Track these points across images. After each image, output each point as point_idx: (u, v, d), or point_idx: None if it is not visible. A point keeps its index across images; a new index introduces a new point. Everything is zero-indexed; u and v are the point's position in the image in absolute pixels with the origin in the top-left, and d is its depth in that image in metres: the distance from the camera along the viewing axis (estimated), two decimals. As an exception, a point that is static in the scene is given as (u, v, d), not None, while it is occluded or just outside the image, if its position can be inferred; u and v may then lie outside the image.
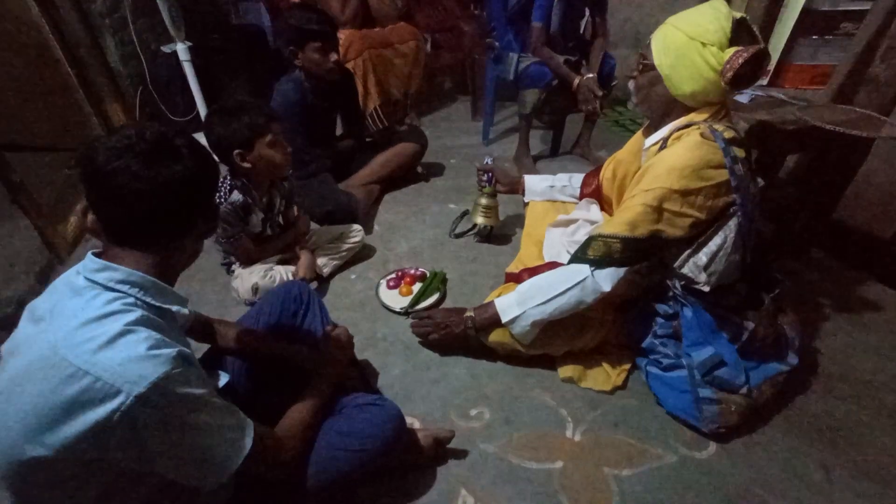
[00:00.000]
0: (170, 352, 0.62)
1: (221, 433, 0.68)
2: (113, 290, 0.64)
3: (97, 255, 0.68)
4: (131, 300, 0.65)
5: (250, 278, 1.46)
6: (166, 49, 2.34)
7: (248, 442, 0.70)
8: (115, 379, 0.58)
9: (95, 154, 0.62)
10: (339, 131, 2.21)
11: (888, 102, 1.49)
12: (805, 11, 2.27)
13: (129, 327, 0.61)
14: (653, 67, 1.07)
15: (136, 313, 0.64)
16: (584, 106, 2.06)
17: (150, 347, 0.61)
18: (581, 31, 2.15)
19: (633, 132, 1.31)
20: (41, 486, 0.62)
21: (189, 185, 0.67)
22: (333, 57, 1.76)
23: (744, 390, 1.10)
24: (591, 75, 2.07)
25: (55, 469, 0.60)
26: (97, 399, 0.57)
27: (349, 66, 2.37)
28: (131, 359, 0.59)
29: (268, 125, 1.34)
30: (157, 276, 0.69)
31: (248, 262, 1.52)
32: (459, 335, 1.27)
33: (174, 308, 0.71)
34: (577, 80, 2.03)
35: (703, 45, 0.98)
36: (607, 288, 1.11)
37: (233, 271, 1.54)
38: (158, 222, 0.66)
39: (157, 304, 0.68)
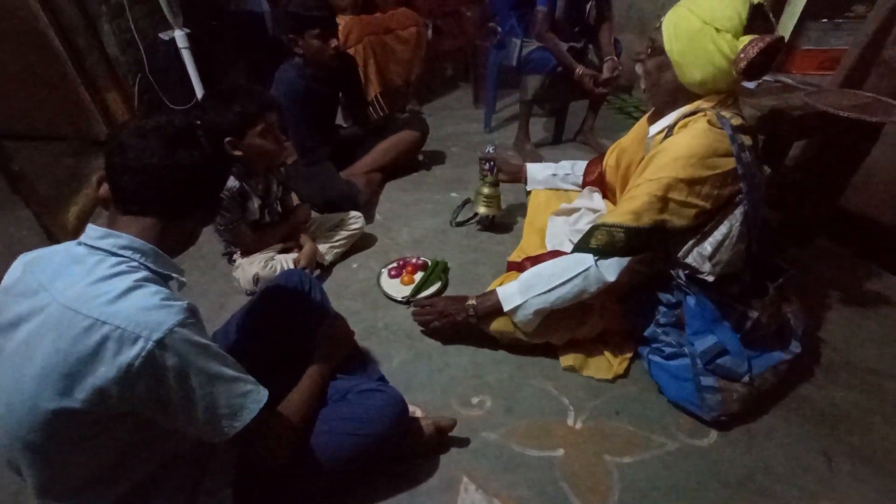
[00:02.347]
0: (181, 303, 0.66)
1: (237, 385, 0.70)
2: (117, 254, 0.67)
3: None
4: (135, 264, 0.68)
5: (251, 268, 1.46)
6: (164, 36, 2.30)
7: (262, 396, 0.72)
8: (134, 326, 0.60)
9: (125, 130, 0.70)
10: (339, 120, 2.19)
11: (899, 87, 1.46)
12: (815, -6, 2.21)
13: (140, 282, 0.65)
14: (662, 52, 1.03)
15: (143, 273, 0.68)
16: (591, 89, 2.02)
17: (164, 299, 0.64)
18: (586, 16, 2.11)
19: (637, 119, 1.29)
20: (62, 446, 0.64)
21: (199, 172, 0.72)
22: (333, 43, 1.73)
23: (746, 379, 1.09)
24: (609, 61, 2.04)
25: (80, 423, 0.62)
26: (118, 347, 0.60)
27: (349, 52, 2.34)
28: (147, 307, 0.62)
29: (260, 114, 1.32)
30: (158, 247, 0.72)
31: (248, 250, 1.51)
32: (461, 323, 1.27)
33: (174, 275, 0.74)
34: (579, 70, 1.99)
35: (718, 31, 0.94)
36: (611, 278, 1.10)
37: (234, 261, 1.54)
38: (166, 196, 0.71)
39: (160, 269, 0.71)
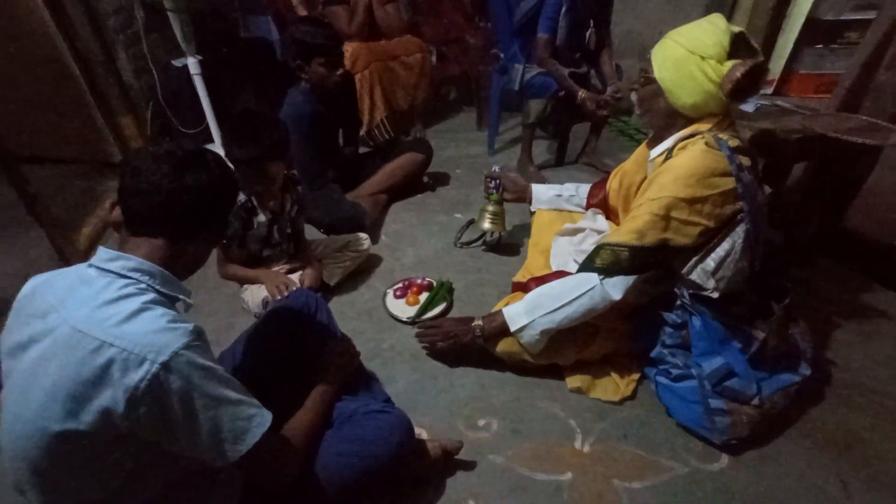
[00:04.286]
0: (188, 325, 0.66)
1: (240, 408, 0.70)
2: (126, 276, 0.68)
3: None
4: (143, 286, 0.69)
5: (260, 292, 1.47)
6: (177, 63, 2.38)
7: (266, 420, 0.72)
8: (140, 349, 0.61)
9: (139, 155, 0.73)
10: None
11: (895, 110, 1.49)
12: (809, 21, 2.28)
13: (147, 305, 0.66)
14: (654, 80, 1.08)
15: (151, 295, 0.69)
16: (593, 112, 2.07)
17: (171, 321, 0.65)
18: (586, 42, 2.17)
19: (639, 142, 1.32)
20: (67, 469, 0.64)
21: (207, 194, 0.74)
22: (339, 71, 1.78)
23: (755, 401, 1.08)
24: (613, 86, 2.09)
25: (85, 445, 0.62)
26: (124, 369, 0.60)
27: (356, 78, 2.40)
28: (154, 330, 0.63)
29: (277, 156, 1.36)
30: (165, 269, 0.73)
31: (223, 270, 1.51)
32: (467, 344, 1.27)
33: (181, 297, 0.75)
34: (581, 93, 2.04)
35: (702, 58, 1.00)
36: (617, 296, 1.11)
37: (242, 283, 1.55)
38: (174, 217, 0.73)
39: (167, 291, 0.72)
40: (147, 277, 0.70)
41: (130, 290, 0.67)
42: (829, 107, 1.67)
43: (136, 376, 0.60)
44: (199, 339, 0.67)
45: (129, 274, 0.69)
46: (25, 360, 0.64)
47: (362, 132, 2.48)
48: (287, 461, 0.79)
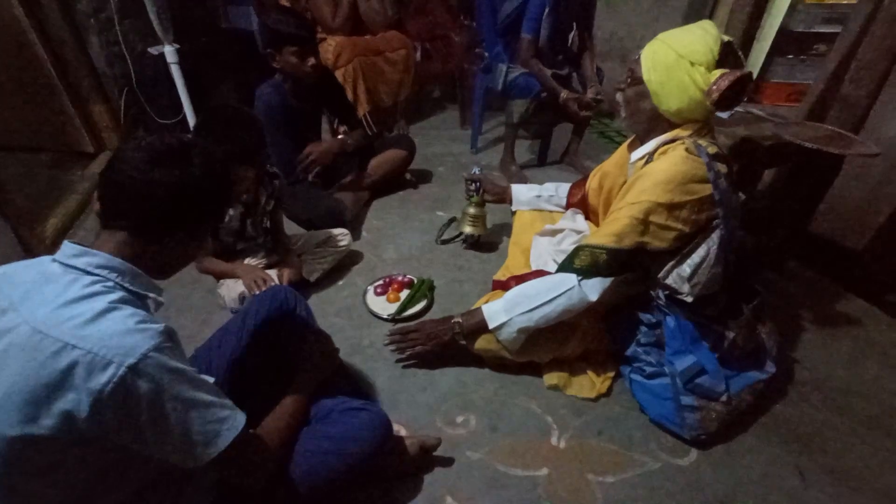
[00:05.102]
0: (158, 326, 0.63)
1: (212, 410, 0.68)
2: (92, 273, 0.65)
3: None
4: (111, 283, 0.66)
5: (236, 286, 1.44)
6: (153, 51, 2.31)
7: (238, 422, 0.70)
8: (106, 351, 0.58)
9: (123, 146, 0.70)
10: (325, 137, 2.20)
11: (857, 121, 1.56)
12: (781, 32, 2.37)
13: (114, 304, 0.63)
14: (641, 81, 1.09)
15: (119, 294, 0.65)
16: (576, 112, 2.09)
17: (139, 322, 0.62)
18: (569, 45, 2.20)
19: (619, 143, 1.35)
20: (27, 475, 0.61)
21: (182, 191, 0.69)
22: (311, 61, 1.74)
23: (724, 398, 1.12)
24: (593, 88, 2.11)
25: (46, 450, 0.60)
26: (88, 372, 0.57)
27: (339, 72, 2.37)
28: (121, 331, 0.60)
29: (257, 153, 1.34)
30: (135, 266, 0.70)
31: (198, 263, 1.49)
32: (448, 343, 1.27)
33: (151, 295, 0.72)
34: (563, 94, 2.07)
35: (692, 64, 1.01)
36: (594, 298, 1.13)
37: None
38: (139, 211, 0.69)
39: (136, 289, 0.69)
40: (115, 275, 0.66)
41: (97, 288, 0.63)
42: (799, 115, 1.74)
43: (101, 379, 0.57)
44: (169, 340, 0.64)
45: (96, 271, 0.65)
46: None
47: (342, 130, 2.45)
48: (261, 462, 0.77)
